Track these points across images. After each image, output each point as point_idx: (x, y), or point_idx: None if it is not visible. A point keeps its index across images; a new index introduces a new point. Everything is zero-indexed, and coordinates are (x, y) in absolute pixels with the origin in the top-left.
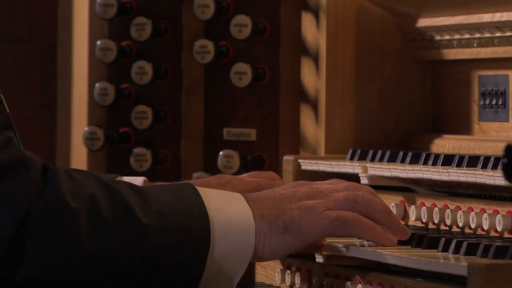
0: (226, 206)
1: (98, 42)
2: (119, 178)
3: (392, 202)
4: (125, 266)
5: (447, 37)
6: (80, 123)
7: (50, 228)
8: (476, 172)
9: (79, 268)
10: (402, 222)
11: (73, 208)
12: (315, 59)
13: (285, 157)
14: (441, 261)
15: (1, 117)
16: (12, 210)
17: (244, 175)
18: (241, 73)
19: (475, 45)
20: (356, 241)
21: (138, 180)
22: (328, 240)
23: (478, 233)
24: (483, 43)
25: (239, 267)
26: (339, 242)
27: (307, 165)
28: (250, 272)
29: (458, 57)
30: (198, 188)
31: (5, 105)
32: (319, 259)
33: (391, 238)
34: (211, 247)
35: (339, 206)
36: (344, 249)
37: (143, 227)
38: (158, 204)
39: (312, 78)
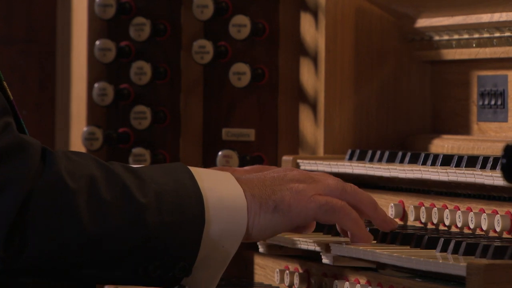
0: (219, 185)
1: (97, 42)
2: None
3: (391, 202)
4: (125, 245)
5: (446, 37)
6: (79, 123)
7: (51, 209)
8: (475, 172)
9: (80, 249)
10: (401, 222)
11: (72, 188)
12: (314, 60)
13: (284, 157)
14: (440, 261)
15: (0, 101)
16: (12, 193)
17: (247, 167)
18: (240, 74)
19: (474, 45)
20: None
21: None
22: (327, 239)
23: (477, 233)
24: (482, 43)
25: (233, 244)
26: (335, 241)
27: (306, 165)
28: (249, 272)
29: (457, 57)
30: (190, 168)
31: (8, 92)
32: (325, 259)
33: (370, 236)
34: (206, 225)
35: (329, 192)
36: (344, 248)
37: (141, 207)
38: (154, 184)
39: (311, 79)
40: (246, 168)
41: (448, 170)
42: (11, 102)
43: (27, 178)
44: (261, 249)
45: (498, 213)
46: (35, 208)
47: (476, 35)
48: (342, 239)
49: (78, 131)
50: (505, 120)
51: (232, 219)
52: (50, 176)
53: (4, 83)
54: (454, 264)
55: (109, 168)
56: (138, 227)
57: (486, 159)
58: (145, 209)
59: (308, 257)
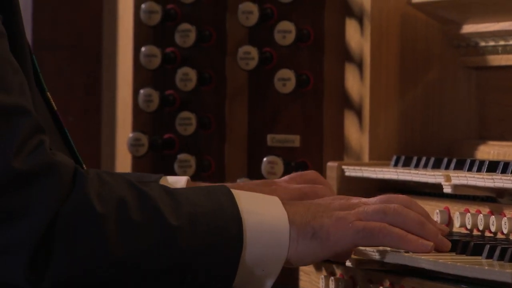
0: (260, 208)
1: (143, 49)
2: (163, 178)
3: (436, 208)
4: (154, 269)
5: (492, 43)
6: (124, 129)
7: (76, 233)
8: None
9: (106, 272)
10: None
11: (100, 212)
12: (359, 66)
13: (329, 164)
14: (486, 268)
15: (32, 120)
16: (36, 218)
17: (285, 177)
18: (285, 80)
19: None
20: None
21: (181, 180)
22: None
23: None
24: None
25: (273, 269)
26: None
27: (351, 171)
28: (294, 279)
29: (503, 63)
30: (232, 190)
31: (52, 103)
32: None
33: (426, 243)
34: (243, 249)
35: (369, 217)
36: (388, 255)
37: (173, 229)
38: (190, 206)
39: (356, 85)
40: (290, 187)
41: (494, 177)
42: (55, 113)
43: (53, 202)
44: None
45: None
46: (60, 232)
47: None
48: None
49: (123, 137)
50: None
51: (272, 243)
52: (77, 199)
53: (48, 93)
54: (500, 270)
55: (142, 190)
56: (169, 250)
57: None
58: (177, 232)
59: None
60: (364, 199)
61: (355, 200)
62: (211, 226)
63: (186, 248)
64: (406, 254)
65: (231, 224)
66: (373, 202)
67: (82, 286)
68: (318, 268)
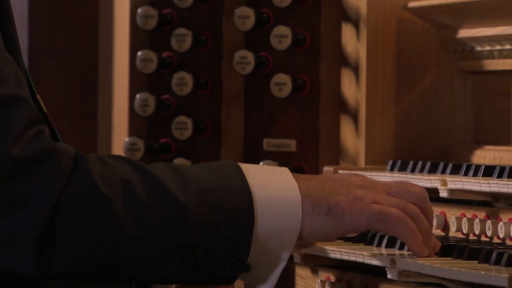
0: (269, 181)
1: (139, 53)
2: None
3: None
4: (166, 246)
5: (487, 48)
6: (120, 134)
7: (82, 216)
8: None
9: (117, 252)
10: (443, 233)
11: (105, 193)
12: (355, 70)
13: (325, 168)
14: (482, 272)
15: (30, 110)
16: (39, 204)
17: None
18: (281, 84)
19: None
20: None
21: None
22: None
23: None
24: None
25: (288, 242)
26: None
27: None
28: (290, 283)
29: (499, 68)
30: (240, 164)
31: (42, 105)
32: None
33: (426, 252)
34: (255, 223)
35: (387, 203)
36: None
37: (182, 206)
38: (197, 183)
39: (352, 89)
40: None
41: (490, 181)
42: (45, 115)
43: (54, 187)
44: (297, 259)
45: None
46: (65, 216)
47: None
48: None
49: (119, 142)
50: None
51: (284, 215)
52: (81, 181)
53: (38, 96)
54: (496, 275)
55: (146, 169)
56: (180, 226)
57: None
58: (186, 208)
59: (349, 268)
60: (382, 183)
61: (374, 181)
62: (220, 202)
63: (196, 224)
64: (403, 259)
65: (241, 199)
66: (392, 186)
67: (90, 270)
68: (314, 272)
